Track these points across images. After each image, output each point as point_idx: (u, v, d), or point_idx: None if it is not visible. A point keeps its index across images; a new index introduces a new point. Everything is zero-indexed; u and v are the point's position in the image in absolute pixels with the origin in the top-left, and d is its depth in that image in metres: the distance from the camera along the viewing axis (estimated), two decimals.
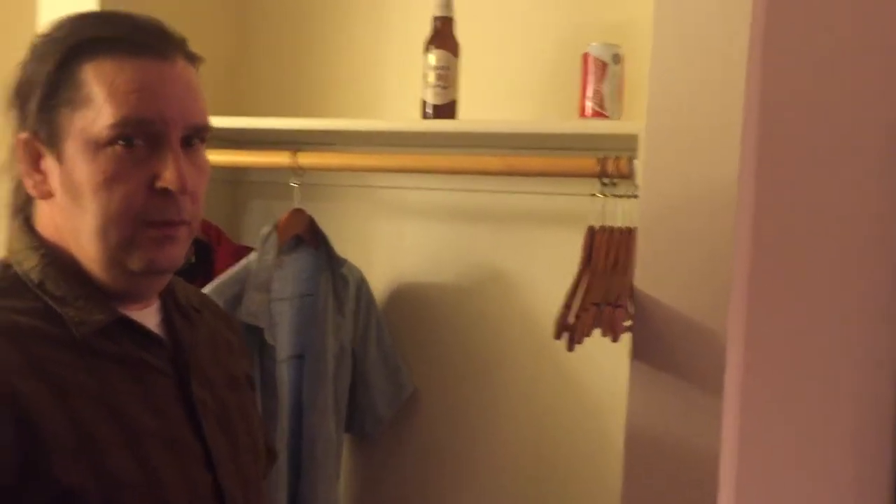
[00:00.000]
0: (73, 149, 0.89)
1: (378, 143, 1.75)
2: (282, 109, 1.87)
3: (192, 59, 0.96)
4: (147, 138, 0.89)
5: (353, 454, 1.85)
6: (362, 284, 1.72)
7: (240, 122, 1.67)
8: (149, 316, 0.98)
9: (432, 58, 1.56)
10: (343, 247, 1.69)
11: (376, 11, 1.82)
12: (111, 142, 0.87)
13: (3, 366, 0.83)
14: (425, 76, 1.57)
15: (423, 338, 1.79)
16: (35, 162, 0.92)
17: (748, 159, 1.23)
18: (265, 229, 1.57)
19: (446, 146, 1.67)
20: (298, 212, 1.63)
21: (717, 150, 1.22)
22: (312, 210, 1.67)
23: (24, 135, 0.91)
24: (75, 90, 0.88)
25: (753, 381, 1.29)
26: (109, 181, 0.88)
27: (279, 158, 1.61)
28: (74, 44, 0.89)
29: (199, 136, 0.94)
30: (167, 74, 0.90)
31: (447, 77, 1.56)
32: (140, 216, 0.89)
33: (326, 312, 1.64)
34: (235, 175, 1.93)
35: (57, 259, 0.92)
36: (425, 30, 1.58)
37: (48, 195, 0.92)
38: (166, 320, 1.00)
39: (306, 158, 1.59)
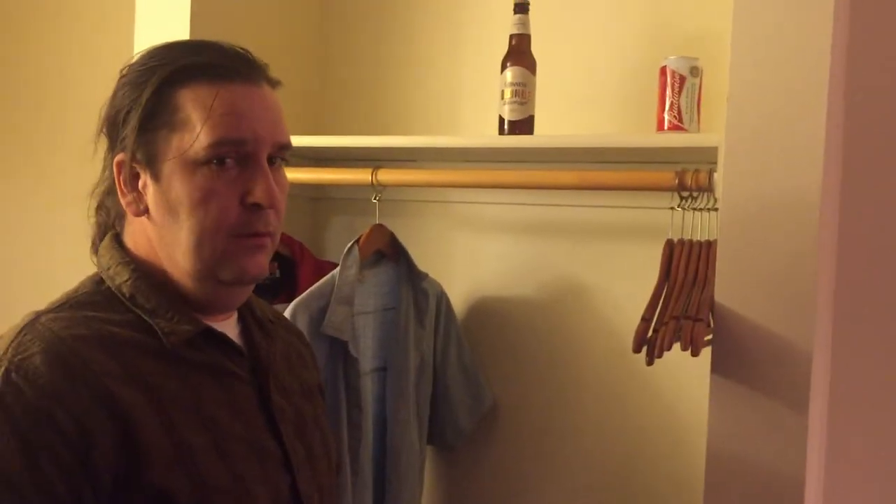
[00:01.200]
0: (169, 168, 0.94)
1: (456, 159, 1.77)
2: (362, 128, 1.91)
3: (274, 83, 1.01)
4: (238, 157, 0.94)
5: (435, 466, 1.87)
6: (442, 298, 1.74)
7: (322, 141, 1.72)
8: (229, 327, 1.02)
9: (509, 75, 1.58)
10: (422, 261, 1.72)
11: (454, 30, 1.85)
12: (206, 161, 0.92)
13: (102, 373, 0.88)
14: (502, 93, 1.59)
15: (502, 351, 1.80)
16: (131, 182, 0.97)
17: (832, 169, 1.20)
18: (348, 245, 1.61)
19: (523, 161, 1.69)
20: (379, 227, 1.67)
21: (798, 161, 1.20)
22: (392, 225, 1.70)
23: (121, 157, 0.96)
24: (172, 113, 0.93)
25: (841, 397, 1.26)
26: (205, 198, 0.93)
27: (360, 175, 1.65)
28: (171, 71, 0.94)
29: (282, 154, 0.99)
30: (256, 98, 0.96)
31: (524, 93, 1.57)
32: (232, 230, 0.94)
33: (408, 325, 1.67)
34: (318, 192, 1.98)
35: (146, 274, 0.97)
36: (502, 47, 1.60)
37: (143, 213, 0.97)
38: (245, 332, 1.05)
39: (386, 175, 1.63)
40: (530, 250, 1.76)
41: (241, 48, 0.99)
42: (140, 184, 0.96)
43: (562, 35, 1.71)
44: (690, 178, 1.36)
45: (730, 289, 1.24)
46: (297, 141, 1.70)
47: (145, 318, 0.95)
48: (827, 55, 1.18)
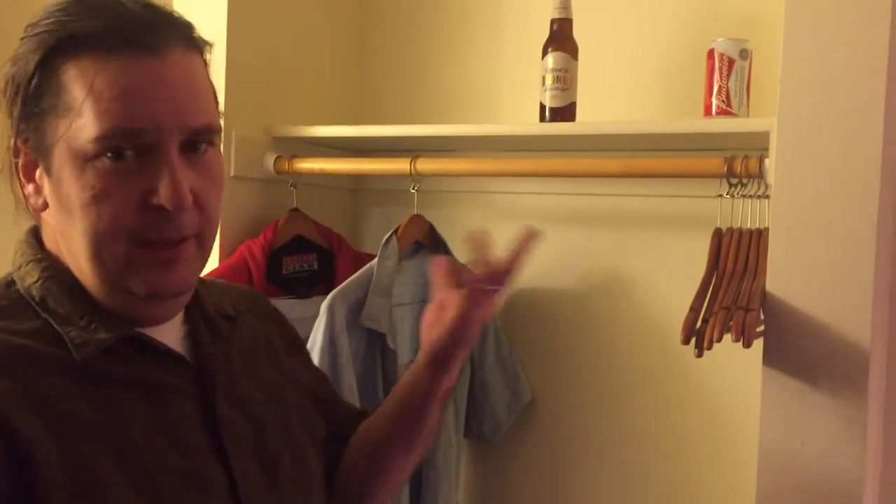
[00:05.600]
0: (60, 160, 0.78)
1: (496, 147, 1.74)
2: (400, 117, 1.89)
3: (195, 47, 0.82)
4: (138, 149, 0.77)
5: (472, 461, 1.84)
6: None
7: (360, 131, 1.71)
8: (168, 331, 0.86)
9: (551, 60, 1.54)
10: (461, 252, 1.70)
11: (493, 17, 1.82)
12: (98, 155, 0.76)
13: None
14: (543, 79, 1.55)
15: (542, 345, 1.77)
16: (29, 171, 0.82)
17: (891, 154, 1.16)
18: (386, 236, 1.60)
19: (565, 149, 1.65)
20: (418, 217, 1.65)
21: (855, 146, 1.15)
22: (430, 216, 1.68)
23: (14, 140, 0.81)
24: (57, 94, 0.77)
25: None
26: (97, 197, 0.77)
27: (398, 165, 1.63)
28: (56, 40, 0.77)
29: (205, 139, 0.81)
30: (158, 73, 0.77)
31: (566, 79, 1.54)
32: (133, 235, 0.78)
33: None
34: (356, 183, 1.97)
35: (60, 273, 0.82)
36: (542, 33, 1.57)
37: (42, 208, 0.82)
38: (191, 334, 0.89)
39: (425, 164, 1.60)
40: (572, 241, 1.73)
41: (146, 4, 0.80)
42: (37, 174, 0.81)
43: (604, 18, 1.67)
44: (740, 165, 1.31)
45: (782, 279, 1.20)
46: (335, 131, 1.71)
47: (56, 326, 0.79)
48: (885, 35, 1.14)
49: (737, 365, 1.42)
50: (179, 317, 0.88)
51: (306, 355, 1.11)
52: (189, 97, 0.79)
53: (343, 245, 1.78)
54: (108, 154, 0.76)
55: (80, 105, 0.76)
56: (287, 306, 1.69)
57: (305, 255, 1.71)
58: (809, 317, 1.18)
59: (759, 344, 1.20)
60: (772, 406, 1.20)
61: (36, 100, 0.78)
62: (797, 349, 1.19)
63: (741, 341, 1.15)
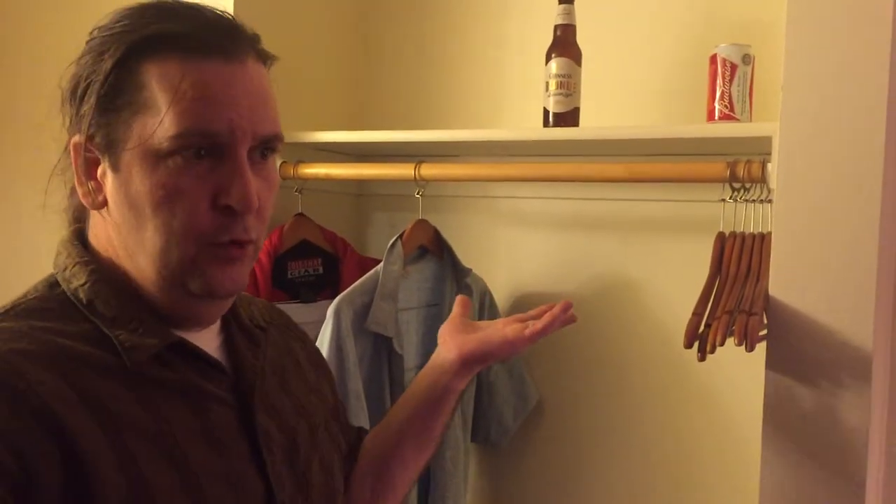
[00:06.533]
0: (130, 157, 0.79)
1: (500, 152, 1.75)
2: (404, 122, 1.90)
3: (265, 58, 0.86)
4: (212, 150, 0.79)
5: (480, 464, 1.85)
6: (486, 294, 1.73)
7: (364, 136, 1.71)
8: (208, 338, 0.88)
9: (554, 66, 1.55)
10: (465, 257, 1.70)
11: (496, 22, 1.83)
12: (172, 153, 0.78)
13: (49, 397, 0.73)
14: (547, 85, 1.56)
15: (548, 349, 1.77)
16: (89, 168, 0.82)
17: (893, 159, 1.16)
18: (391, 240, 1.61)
19: (569, 155, 1.66)
20: (423, 222, 1.66)
21: (857, 150, 1.16)
22: (435, 221, 1.68)
23: (77, 138, 0.82)
24: (135, 92, 0.79)
25: None
26: (170, 196, 0.78)
27: (403, 170, 1.63)
28: (136, 39, 0.79)
29: (269, 147, 0.84)
30: (237, 79, 0.80)
31: (569, 84, 1.55)
32: (204, 236, 0.80)
33: None
34: (360, 188, 1.98)
35: (108, 276, 0.83)
36: (545, 38, 1.58)
37: (101, 205, 0.83)
38: (227, 342, 0.91)
39: (429, 170, 1.61)
40: (576, 245, 1.74)
41: (225, 13, 0.83)
42: (99, 172, 0.82)
43: (608, 24, 1.68)
44: (743, 170, 1.32)
45: (785, 283, 1.21)
46: (340, 136, 1.72)
47: (104, 329, 0.80)
48: (887, 40, 1.14)
49: (740, 368, 1.43)
50: (217, 325, 0.90)
51: (329, 374, 1.13)
52: (263, 105, 0.82)
53: (348, 250, 1.78)
54: (182, 153, 0.78)
55: (160, 103, 0.77)
56: (292, 311, 1.70)
57: (311, 259, 1.72)
58: (812, 320, 1.18)
59: (762, 348, 1.21)
60: (774, 409, 1.21)
61: (110, 97, 0.79)
62: (800, 353, 1.19)
63: (744, 345, 1.16)
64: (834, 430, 1.16)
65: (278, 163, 1.70)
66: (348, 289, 1.55)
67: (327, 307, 1.51)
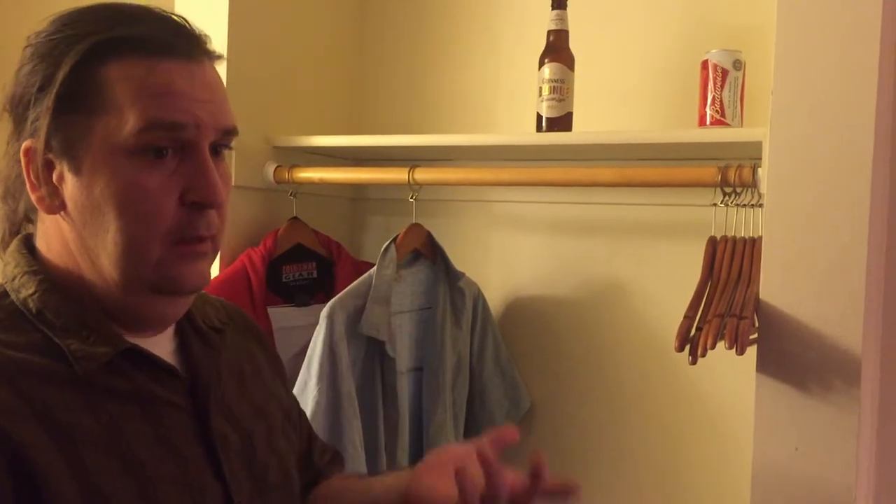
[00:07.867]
0: (93, 159, 0.79)
1: (494, 157, 1.76)
2: (399, 128, 1.91)
3: (216, 58, 0.87)
4: (177, 146, 0.80)
5: None
6: (479, 298, 1.73)
7: (358, 141, 1.72)
8: (161, 343, 0.87)
9: (547, 71, 1.56)
10: (459, 261, 1.71)
11: (490, 28, 1.84)
12: (138, 150, 0.78)
13: None
14: (540, 90, 1.57)
15: (540, 352, 1.78)
16: (43, 173, 0.81)
17: (882, 163, 1.17)
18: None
19: (562, 159, 1.67)
20: (416, 226, 1.66)
21: (846, 155, 1.17)
22: (429, 225, 1.69)
23: (29, 143, 0.81)
24: (96, 94, 0.79)
25: (892, 398, 1.23)
26: (137, 196, 0.79)
27: (397, 175, 1.64)
28: (95, 43, 0.80)
29: (226, 142, 0.85)
30: (198, 76, 0.82)
31: (562, 90, 1.56)
32: (170, 234, 0.80)
33: (444, 325, 1.66)
34: (355, 192, 1.98)
35: (59, 284, 0.82)
36: (538, 44, 1.59)
37: (58, 209, 0.82)
38: (182, 347, 0.90)
39: (423, 174, 1.62)
40: (569, 249, 1.74)
41: (179, 16, 0.85)
42: (55, 176, 0.81)
43: (600, 30, 1.69)
44: (734, 174, 1.33)
45: (776, 287, 1.22)
46: (334, 141, 1.73)
47: (55, 338, 0.79)
48: (875, 47, 1.15)
49: (731, 372, 1.44)
50: (171, 330, 0.89)
51: (284, 373, 1.11)
52: (222, 100, 0.85)
53: (342, 253, 1.79)
54: (149, 152, 0.79)
55: (124, 102, 0.78)
56: (287, 314, 1.71)
57: (305, 263, 1.73)
58: (802, 324, 1.19)
59: (752, 351, 1.21)
60: (765, 412, 1.21)
61: (68, 100, 0.79)
62: (790, 356, 1.20)
63: (734, 349, 1.17)
64: (824, 432, 1.17)
65: (273, 167, 1.73)
66: (341, 292, 1.55)
67: (321, 311, 1.52)
